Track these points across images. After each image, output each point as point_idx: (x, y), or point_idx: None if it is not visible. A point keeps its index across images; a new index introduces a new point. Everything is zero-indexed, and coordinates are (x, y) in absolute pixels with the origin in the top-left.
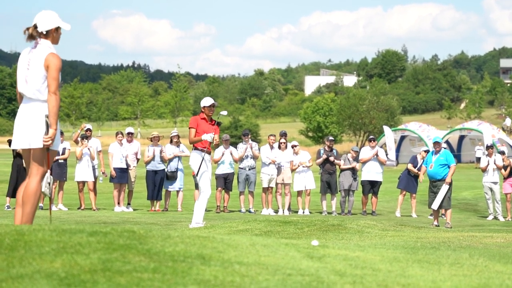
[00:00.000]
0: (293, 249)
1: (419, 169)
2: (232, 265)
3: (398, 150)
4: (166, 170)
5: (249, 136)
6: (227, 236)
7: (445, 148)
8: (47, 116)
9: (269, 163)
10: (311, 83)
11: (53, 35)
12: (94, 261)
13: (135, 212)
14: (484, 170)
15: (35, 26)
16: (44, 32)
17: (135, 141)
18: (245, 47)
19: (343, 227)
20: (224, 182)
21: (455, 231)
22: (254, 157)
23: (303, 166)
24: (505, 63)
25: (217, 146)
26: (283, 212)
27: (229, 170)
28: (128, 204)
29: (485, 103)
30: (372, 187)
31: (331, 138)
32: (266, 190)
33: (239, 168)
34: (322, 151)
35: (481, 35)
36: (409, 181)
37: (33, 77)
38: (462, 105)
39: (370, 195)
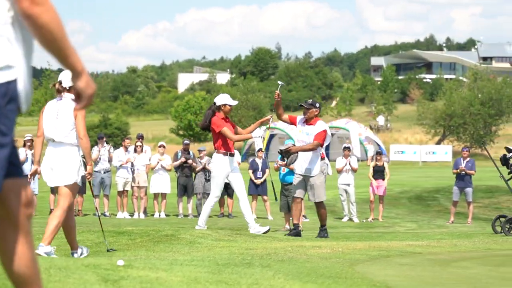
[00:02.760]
0: (90, 272)
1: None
2: None
3: (267, 149)
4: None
5: (104, 139)
6: None
7: None
8: (83, 156)
9: (121, 165)
10: (185, 81)
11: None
12: None
13: None
14: (339, 171)
15: (60, 82)
16: (67, 88)
17: None
18: (121, 44)
19: (176, 238)
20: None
21: (289, 240)
22: (110, 160)
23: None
24: (375, 61)
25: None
26: (139, 216)
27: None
28: None
29: (356, 100)
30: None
31: (186, 141)
32: (121, 193)
33: (94, 171)
34: (179, 154)
35: (354, 33)
36: (259, 184)
37: (63, 125)
38: (334, 103)
39: (226, 197)
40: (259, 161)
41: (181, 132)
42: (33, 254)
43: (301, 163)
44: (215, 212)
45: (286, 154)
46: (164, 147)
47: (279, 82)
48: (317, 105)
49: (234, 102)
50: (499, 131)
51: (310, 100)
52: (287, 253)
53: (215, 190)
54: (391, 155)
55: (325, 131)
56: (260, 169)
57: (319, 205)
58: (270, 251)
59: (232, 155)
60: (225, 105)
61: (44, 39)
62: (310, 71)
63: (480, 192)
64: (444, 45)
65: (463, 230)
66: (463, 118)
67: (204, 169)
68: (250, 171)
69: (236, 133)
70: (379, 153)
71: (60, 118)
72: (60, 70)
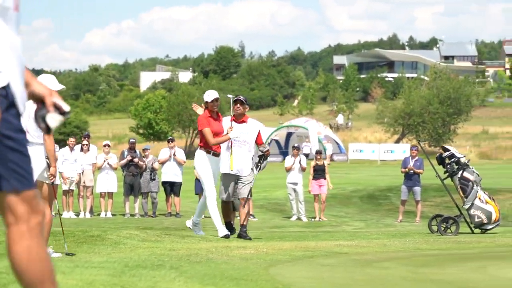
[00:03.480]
0: None
1: None
2: None
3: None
4: None
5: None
6: None
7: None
8: (47, 157)
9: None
10: (147, 79)
11: None
12: None
13: None
14: (288, 170)
15: None
16: None
17: None
18: (84, 42)
19: (101, 238)
20: None
21: (218, 241)
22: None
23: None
24: (338, 59)
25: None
26: (85, 215)
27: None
28: None
29: (318, 99)
30: (172, 187)
31: (132, 140)
32: (67, 192)
33: None
34: (126, 153)
35: (318, 32)
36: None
37: (34, 126)
38: (296, 102)
39: (172, 196)
40: None
41: (141, 131)
42: (44, 256)
43: (229, 163)
44: (162, 212)
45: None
46: (109, 146)
47: (229, 96)
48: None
49: (209, 98)
50: (458, 130)
51: (242, 97)
52: (208, 254)
53: (207, 188)
54: (349, 153)
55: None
56: None
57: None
58: (192, 252)
59: (216, 154)
60: (206, 102)
61: None
62: (273, 69)
63: (432, 191)
64: (406, 44)
65: (410, 229)
66: (421, 116)
67: (149, 167)
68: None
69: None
70: (318, 152)
71: (32, 119)
72: (38, 73)
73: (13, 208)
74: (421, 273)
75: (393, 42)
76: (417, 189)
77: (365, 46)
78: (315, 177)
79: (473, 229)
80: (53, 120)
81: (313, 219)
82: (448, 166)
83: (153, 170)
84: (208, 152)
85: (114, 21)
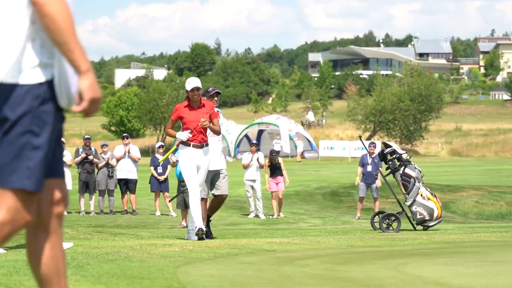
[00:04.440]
0: None
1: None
2: None
3: (258, 143)
4: None
5: None
6: None
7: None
8: None
9: None
10: (122, 76)
11: None
12: None
13: None
14: (246, 167)
15: None
16: None
17: None
18: None
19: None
20: None
21: (152, 238)
22: None
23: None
24: (313, 57)
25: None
26: None
27: None
28: None
29: (293, 96)
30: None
31: (87, 136)
32: None
33: None
34: (80, 150)
35: (295, 29)
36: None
37: None
38: (270, 99)
39: (128, 193)
40: (159, 157)
41: (113, 128)
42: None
43: (214, 159)
44: (119, 209)
45: None
46: (63, 142)
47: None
48: None
49: (189, 86)
50: (432, 127)
51: (215, 87)
52: (129, 252)
53: (189, 185)
54: (320, 151)
55: None
56: (160, 165)
57: (223, 200)
58: (113, 250)
59: (198, 146)
60: (186, 91)
61: (49, 30)
62: (248, 67)
63: (396, 188)
64: (381, 41)
65: (366, 226)
66: (393, 114)
67: (107, 164)
68: (152, 168)
69: (215, 124)
70: (273, 150)
71: None
72: None
73: (5, 204)
74: (336, 271)
75: (369, 40)
76: (375, 186)
77: (341, 44)
78: (271, 175)
79: (415, 226)
80: None
81: (271, 216)
82: (390, 162)
83: (111, 167)
84: (187, 145)
85: (90, 17)
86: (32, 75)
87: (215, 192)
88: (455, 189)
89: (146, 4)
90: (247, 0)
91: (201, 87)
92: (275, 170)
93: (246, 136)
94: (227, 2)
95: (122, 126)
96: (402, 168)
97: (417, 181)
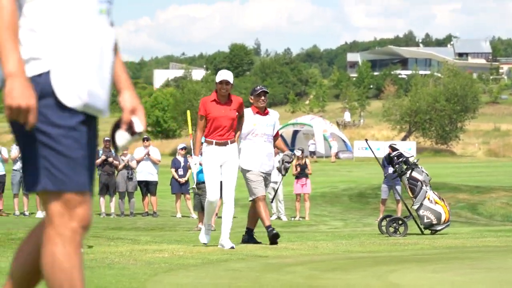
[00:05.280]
0: None
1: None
2: None
3: (292, 146)
4: None
5: None
6: None
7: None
8: None
9: None
10: (160, 77)
11: None
12: None
13: None
14: None
15: None
16: None
17: None
18: None
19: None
20: None
21: (149, 243)
22: None
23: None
24: (351, 57)
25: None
26: None
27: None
28: None
29: (331, 97)
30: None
31: (107, 138)
32: None
33: (14, 170)
34: (101, 152)
35: (335, 29)
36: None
37: None
38: (308, 100)
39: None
40: (181, 159)
41: (149, 129)
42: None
43: (262, 160)
44: (139, 211)
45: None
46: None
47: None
48: None
49: (218, 78)
50: (469, 127)
51: (263, 86)
52: (115, 258)
53: (208, 188)
54: (355, 151)
55: None
56: (181, 167)
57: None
58: (101, 256)
59: (221, 143)
60: (215, 83)
61: None
62: (286, 67)
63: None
64: (420, 41)
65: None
66: (428, 114)
67: (127, 166)
68: (173, 170)
69: (239, 122)
70: (301, 151)
71: None
72: None
73: (45, 208)
74: (318, 279)
75: (409, 40)
76: (398, 188)
77: (381, 44)
78: (297, 177)
79: (423, 230)
80: (121, 138)
81: (293, 218)
82: (397, 166)
83: (130, 168)
84: (210, 143)
85: (131, 18)
86: (29, 68)
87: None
88: (484, 190)
89: (187, 4)
90: (287, 0)
91: (232, 82)
92: (300, 171)
93: (281, 136)
94: (267, 2)
95: (158, 127)
96: (409, 172)
97: (424, 185)
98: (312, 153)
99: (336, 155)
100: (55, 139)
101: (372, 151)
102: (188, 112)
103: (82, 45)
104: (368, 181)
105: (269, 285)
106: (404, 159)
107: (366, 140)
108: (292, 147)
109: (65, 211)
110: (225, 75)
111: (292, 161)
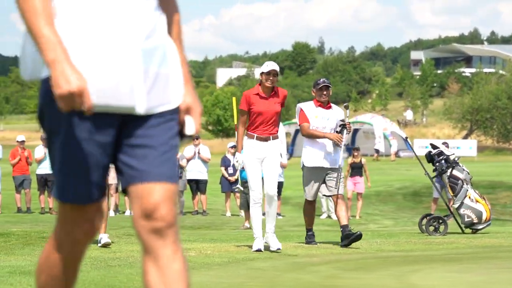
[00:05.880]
0: None
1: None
2: None
3: (293, 143)
4: None
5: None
6: None
7: None
8: None
9: None
10: (223, 76)
11: None
12: None
13: None
14: None
15: None
16: None
17: None
18: None
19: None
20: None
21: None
22: None
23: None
24: (415, 55)
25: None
26: (109, 213)
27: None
28: None
29: (394, 95)
30: (197, 185)
31: None
32: None
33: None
34: None
35: (399, 27)
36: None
37: None
38: (370, 99)
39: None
40: (231, 157)
41: (210, 128)
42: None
43: (323, 155)
44: (189, 209)
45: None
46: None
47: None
48: None
49: (266, 68)
50: None
51: (326, 79)
52: (140, 256)
53: (251, 187)
54: (415, 149)
55: None
56: (231, 165)
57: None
58: (118, 256)
59: (263, 138)
60: (261, 73)
61: (19, 13)
62: (349, 65)
63: (481, 188)
64: (485, 39)
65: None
66: (490, 112)
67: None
68: (223, 168)
69: (281, 118)
70: (356, 149)
71: None
72: None
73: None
74: (338, 278)
75: (474, 37)
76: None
77: (446, 41)
78: (351, 175)
79: (463, 229)
80: None
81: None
82: (437, 164)
83: (180, 167)
84: (251, 137)
85: (196, 17)
86: (36, 70)
87: (326, 193)
88: None
89: (251, 3)
90: None
91: (279, 73)
92: (355, 169)
93: None
94: (332, 0)
95: (219, 125)
96: (449, 170)
97: (465, 183)
98: (377, 151)
99: (396, 154)
100: (58, 146)
101: (413, 151)
102: (234, 99)
103: (89, 36)
104: (424, 180)
105: (283, 284)
106: (445, 157)
107: (406, 138)
108: (352, 146)
109: (68, 221)
110: (273, 65)
111: (345, 124)
